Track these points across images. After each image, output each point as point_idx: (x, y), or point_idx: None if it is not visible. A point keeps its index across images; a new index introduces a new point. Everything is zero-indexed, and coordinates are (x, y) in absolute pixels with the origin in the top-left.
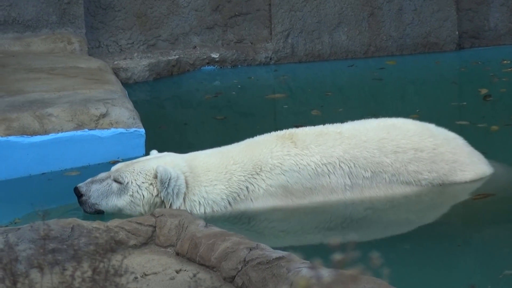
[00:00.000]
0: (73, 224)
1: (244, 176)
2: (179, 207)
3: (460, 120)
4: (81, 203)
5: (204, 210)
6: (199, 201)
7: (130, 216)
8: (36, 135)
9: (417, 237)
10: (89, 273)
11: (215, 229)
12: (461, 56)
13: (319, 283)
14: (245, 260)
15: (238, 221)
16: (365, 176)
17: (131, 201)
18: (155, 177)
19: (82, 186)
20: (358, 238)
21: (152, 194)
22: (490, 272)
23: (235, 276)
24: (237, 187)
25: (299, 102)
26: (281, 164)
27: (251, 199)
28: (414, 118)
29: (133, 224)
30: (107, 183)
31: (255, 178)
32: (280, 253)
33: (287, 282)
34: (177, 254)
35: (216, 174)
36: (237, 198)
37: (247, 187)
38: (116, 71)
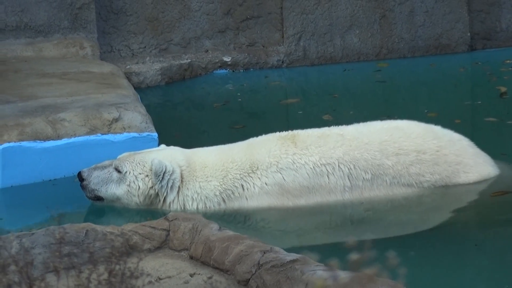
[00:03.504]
0: (87, 228)
1: (240, 174)
2: (173, 201)
3: (488, 117)
4: (82, 187)
5: (197, 206)
6: (192, 196)
7: (128, 206)
8: (49, 140)
9: (421, 238)
10: (105, 275)
11: (229, 232)
12: (465, 57)
13: (336, 284)
14: (259, 263)
15: (233, 219)
16: (365, 178)
17: (128, 191)
18: (151, 169)
19: (85, 171)
20: (359, 239)
21: (147, 186)
22: (502, 277)
23: (249, 279)
24: (231, 185)
25: (311, 106)
26: (277, 162)
27: (246, 197)
28: (431, 118)
29: (147, 228)
30: (108, 171)
31: (250, 177)
32: (294, 256)
33: (301, 285)
34: (191, 257)
35: (212, 171)
36: (231, 195)
37: (242, 185)
38: (128, 76)
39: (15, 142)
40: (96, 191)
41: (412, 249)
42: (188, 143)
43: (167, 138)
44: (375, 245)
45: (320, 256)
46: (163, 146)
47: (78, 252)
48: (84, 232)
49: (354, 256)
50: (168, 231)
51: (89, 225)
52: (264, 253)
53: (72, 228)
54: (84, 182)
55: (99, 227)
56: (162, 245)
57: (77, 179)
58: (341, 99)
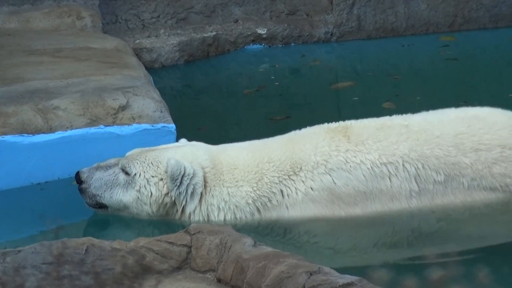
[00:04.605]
0: (88, 244)
1: (278, 177)
2: (194, 211)
3: None
4: (81, 192)
5: (224, 217)
6: (218, 205)
7: (138, 216)
8: (39, 134)
9: (509, 253)
10: None
11: (266, 249)
12: None
13: None
14: (304, 287)
15: (270, 232)
16: (436, 180)
17: (138, 197)
18: (167, 171)
19: (84, 172)
20: (431, 257)
21: (162, 192)
22: None
23: None
24: (268, 190)
25: (368, 91)
26: (326, 161)
27: (286, 206)
28: None
29: (163, 244)
30: (114, 172)
31: (292, 180)
32: (348, 278)
33: None
34: (219, 280)
35: (243, 173)
36: (268, 203)
37: (281, 191)
38: (138, 52)
39: None
40: (98, 197)
41: (500, 267)
42: (214, 138)
43: (187, 131)
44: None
45: (382, 277)
46: (182, 141)
47: (80, 273)
48: (84, 249)
49: (436, 274)
50: (190, 247)
51: (90, 239)
52: (311, 274)
53: (69, 244)
54: (83, 186)
55: (103, 243)
56: (182, 265)
57: (75, 181)
58: (404, 81)
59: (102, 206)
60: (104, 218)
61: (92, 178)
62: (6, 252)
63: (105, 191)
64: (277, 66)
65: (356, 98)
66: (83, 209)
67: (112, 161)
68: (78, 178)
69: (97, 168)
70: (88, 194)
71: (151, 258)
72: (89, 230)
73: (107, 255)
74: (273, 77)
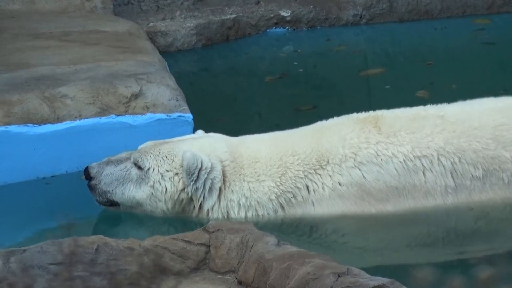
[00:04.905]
0: (99, 242)
1: (303, 171)
2: (212, 208)
3: None
4: (90, 188)
5: (245, 214)
6: (239, 201)
7: (152, 213)
8: (45, 124)
9: None
10: None
11: (290, 248)
12: None
13: None
14: None
15: (295, 231)
16: (474, 176)
17: (152, 194)
18: (183, 165)
19: (94, 167)
20: (470, 256)
21: (177, 188)
22: None
23: None
24: (292, 185)
25: (401, 79)
26: (355, 154)
27: (312, 202)
28: None
29: (179, 243)
30: (125, 167)
31: (318, 174)
32: (379, 280)
33: None
34: (240, 282)
35: (265, 167)
36: (292, 200)
37: (307, 186)
38: (152, 36)
39: None
40: (108, 194)
41: None
42: (233, 129)
43: (205, 121)
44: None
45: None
46: (199, 132)
47: (93, 273)
48: (94, 248)
49: (484, 273)
50: (208, 246)
51: (101, 238)
52: (339, 276)
53: (78, 242)
54: (93, 182)
55: (114, 241)
56: (200, 266)
57: (84, 177)
58: (439, 67)
59: (113, 203)
60: (115, 215)
61: (102, 173)
62: (10, 252)
63: (116, 187)
64: (299, 51)
65: (388, 86)
66: (92, 206)
67: (124, 155)
68: (87, 174)
69: (107, 163)
70: (98, 191)
71: (166, 258)
72: (99, 228)
73: (120, 255)
74: (296, 63)
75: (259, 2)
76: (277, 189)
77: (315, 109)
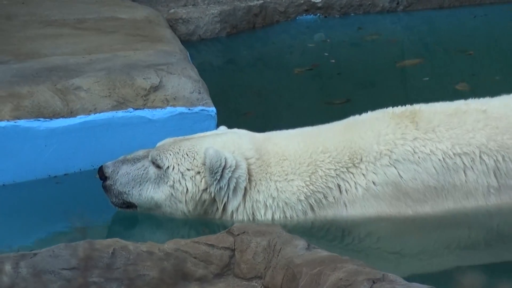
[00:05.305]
0: (115, 246)
1: (335, 169)
2: (237, 209)
3: None
4: (105, 189)
5: (272, 215)
6: (265, 202)
7: (172, 215)
8: (57, 118)
9: None
10: None
11: (321, 252)
12: None
13: None
14: None
15: (326, 234)
16: None
17: (171, 194)
18: (205, 163)
19: (109, 166)
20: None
21: (199, 188)
22: None
23: None
24: (323, 185)
25: (439, 70)
26: (390, 151)
27: (345, 203)
28: None
29: (202, 247)
30: (143, 166)
31: (351, 173)
32: (418, 287)
33: None
34: None
35: (294, 165)
36: (323, 200)
37: (338, 185)
38: (172, 24)
39: (8, 120)
40: (125, 195)
41: None
42: (260, 124)
43: (229, 115)
44: None
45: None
46: (222, 128)
47: (110, 278)
48: (110, 252)
49: None
50: (233, 250)
51: (117, 241)
52: (374, 282)
53: (93, 246)
54: (108, 182)
55: (132, 245)
56: (224, 271)
57: (98, 176)
58: (480, 58)
59: (130, 205)
60: (131, 216)
61: (118, 173)
62: (20, 256)
63: (133, 187)
64: (328, 40)
65: (426, 78)
66: (107, 206)
67: (141, 153)
68: (101, 173)
69: (123, 162)
70: (114, 192)
71: (188, 262)
72: (114, 230)
73: (138, 259)
74: (326, 54)
75: None
76: (306, 189)
77: (347, 103)
